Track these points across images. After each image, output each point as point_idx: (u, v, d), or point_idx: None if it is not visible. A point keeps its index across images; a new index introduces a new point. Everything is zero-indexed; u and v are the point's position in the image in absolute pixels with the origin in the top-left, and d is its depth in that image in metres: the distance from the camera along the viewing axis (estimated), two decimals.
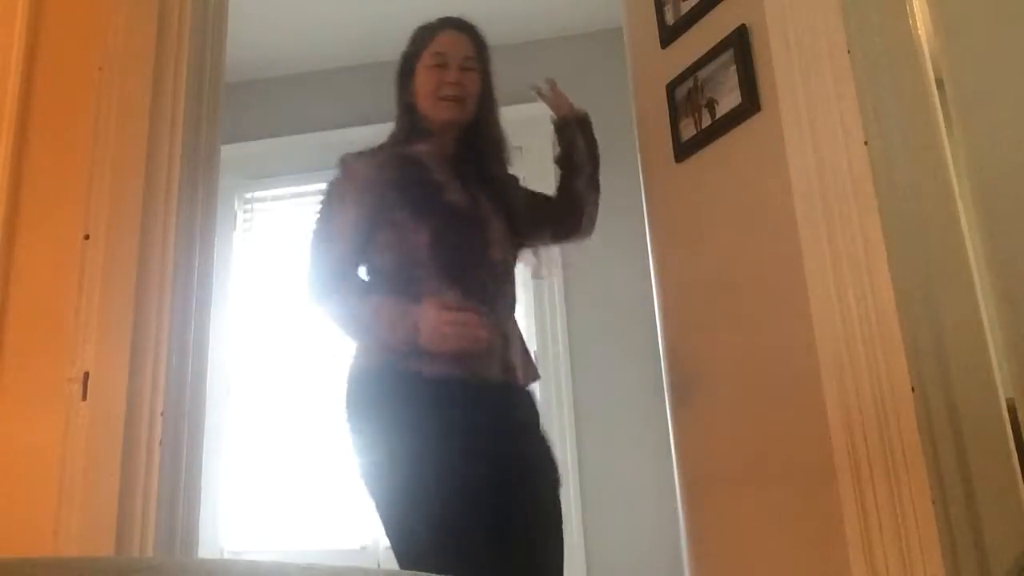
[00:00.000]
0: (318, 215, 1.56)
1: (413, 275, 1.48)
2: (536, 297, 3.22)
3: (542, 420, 1.59)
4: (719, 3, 1.64)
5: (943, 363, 1.23)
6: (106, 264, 1.52)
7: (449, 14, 1.69)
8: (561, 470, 1.56)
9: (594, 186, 1.76)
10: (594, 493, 2.99)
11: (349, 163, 1.56)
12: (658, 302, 1.82)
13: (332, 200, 1.55)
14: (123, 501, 1.41)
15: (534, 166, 3.38)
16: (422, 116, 1.62)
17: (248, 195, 3.59)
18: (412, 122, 1.63)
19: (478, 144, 1.66)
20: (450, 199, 1.54)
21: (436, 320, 1.38)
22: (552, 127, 1.83)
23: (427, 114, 1.61)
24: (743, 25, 1.56)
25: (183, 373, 1.55)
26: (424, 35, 1.66)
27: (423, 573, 0.74)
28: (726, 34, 1.59)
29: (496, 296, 1.54)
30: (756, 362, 1.50)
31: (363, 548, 2.98)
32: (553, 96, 1.77)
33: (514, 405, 1.54)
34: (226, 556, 3.13)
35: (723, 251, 1.61)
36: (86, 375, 1.47)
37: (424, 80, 1.61)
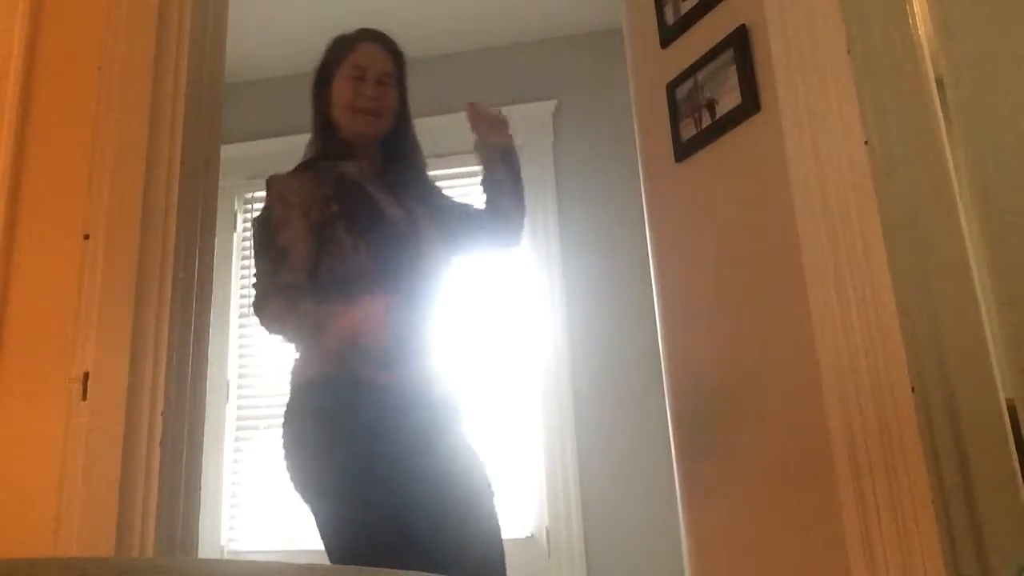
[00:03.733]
0: (259, 237, 1.52)
1: (351, 289, 1.47)
2: (536, 297, 3.23)
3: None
4: (719, 3, 1.64)
5: (943, 363, 1.23)
6: (106, 264, 1.52)
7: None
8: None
9: (518, 206, 1.74)
10: (594, 493, 2.99)
11: (284, 182, 1.55)
12: (658, 302, 1.82)
13: (275, 218, 1.51)
14: (123, 501, 1.41)
15: (534, 166, 3.39)
16: (337, 127, 1.62)
17: (248, 195, 3.59)
18: (330, 136, 1.63)
19: (401, 159, 1.68)
20: (389, 214, 1.55)
21: (357, 312, 1.35)
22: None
23: (343, 125, 1.61)
24: (743, 25, 1.56)
25: (183, 373, 1.55)
26: (342, 46, 1.66)
27: (423, 573, 0.74)
28: (726, 34, 1.59)
29: (430, 305, 1.56)
30: (756, 362, 1.50)
31: None
32: (475, 119, 1.72)
33: (427, 406, 1.52)
34: (226, 556, 3.13)
35: (723, 251, 1.61)
36: (86, 375, 1.47)
37: (341, 91, 1.61)
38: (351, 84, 1.61)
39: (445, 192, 1.77)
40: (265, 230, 1.51)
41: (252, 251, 1.57)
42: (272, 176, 1.56)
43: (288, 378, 1.57)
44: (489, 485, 1.52)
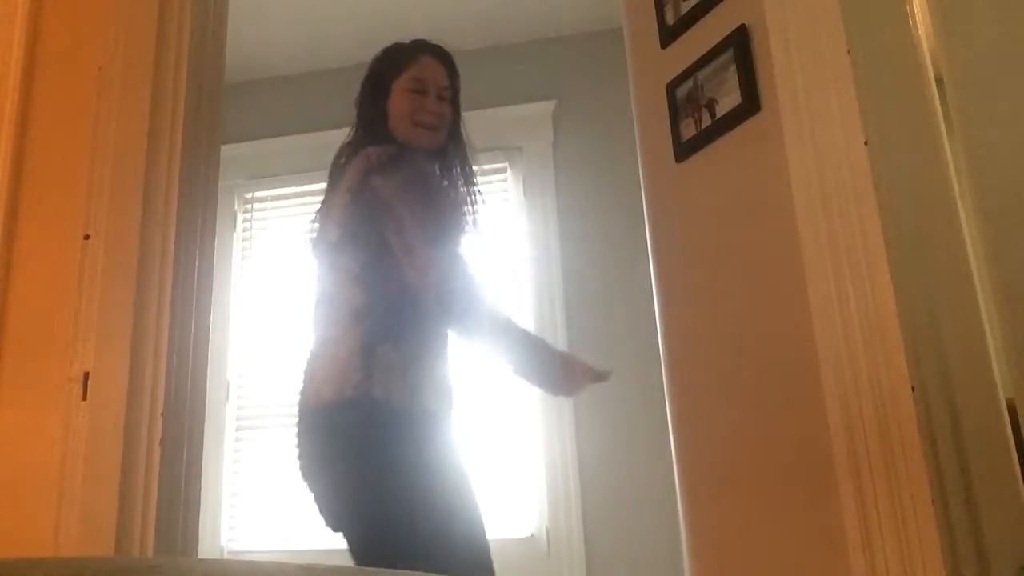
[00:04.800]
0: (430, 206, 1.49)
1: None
2: (536, 297, 3.23)
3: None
4: (719, 3, 1.64)
5: (943, 363, 1.23)
6: (106, 264, 1.52)
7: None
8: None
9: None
10: (594, 493, 2.99)
11: (417, 161, 1.55)
12: (658, 302, 1.82)
13: (437, 193, 1.54)
14: (123, 501, 1.41)
15: (534, 166, 3.39)
16: (392, 138, 1.61)
17: (248, 195, 3.59)
18: (386, 141, 1.61)
19: (450, 173, 1.70)
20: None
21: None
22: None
23: (399, 136, 1.61)
24: (743, 25, 1.56)
25: (183, 373, 1.55)
26: (402, 57, 1.66)
27: (423, 573, 0.74)
28: (726, 34, 1.59)
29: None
30: (756, 362, 1.50)
31: None
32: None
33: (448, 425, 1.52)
34: (226, 556, 3.13)
35: (723, 251, 1.61)
36: (86, 375, 1.47)
37: (401, 103, 1.62)
38: (412, 97, 1.61)
39: None
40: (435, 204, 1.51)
41: (409, 214, 1.47)
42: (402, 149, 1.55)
43: (293, 382, 1.54)
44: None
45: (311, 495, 1.45)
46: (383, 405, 1.38)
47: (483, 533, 1.42)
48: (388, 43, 1.72)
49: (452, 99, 1.68)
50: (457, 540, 1.36)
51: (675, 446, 1.73)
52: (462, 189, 1.71)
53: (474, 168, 1.75)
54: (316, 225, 1.62)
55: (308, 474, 1.45)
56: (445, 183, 1.67)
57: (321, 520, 1.44)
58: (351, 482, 1.38)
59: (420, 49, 1.67)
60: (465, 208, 1.68)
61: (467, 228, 1.64)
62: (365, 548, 1.38)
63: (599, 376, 1.59)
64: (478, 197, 1.71)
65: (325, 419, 1.42)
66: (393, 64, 1.66)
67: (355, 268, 1.49)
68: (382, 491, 1.35)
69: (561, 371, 1.56)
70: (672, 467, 1.74)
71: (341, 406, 1.39)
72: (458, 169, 1.71)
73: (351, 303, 1.47)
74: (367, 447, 1.37)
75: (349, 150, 1.64)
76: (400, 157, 1.52)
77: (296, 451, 1.47)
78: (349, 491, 1.38)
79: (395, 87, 1.63)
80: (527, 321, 3.17)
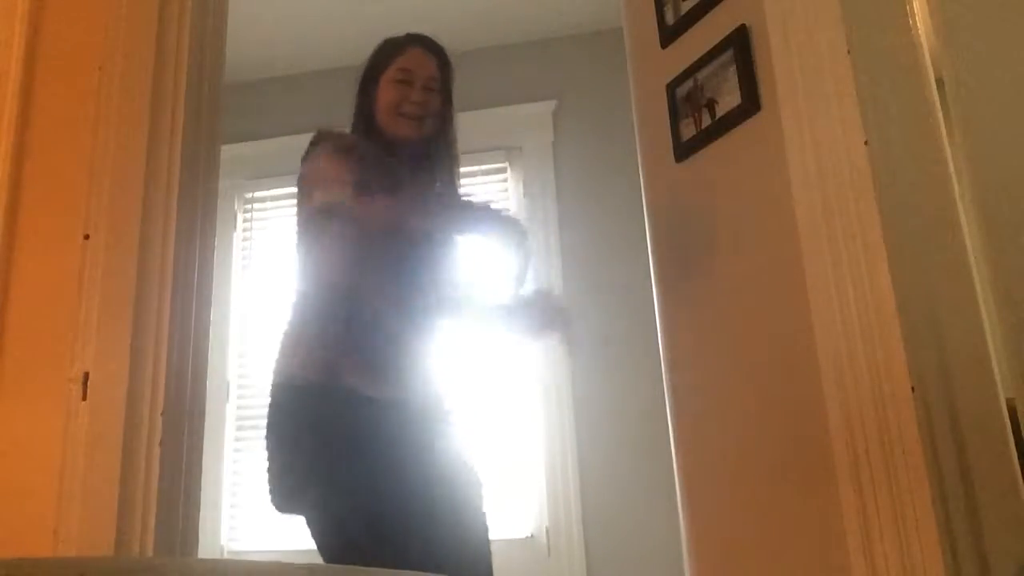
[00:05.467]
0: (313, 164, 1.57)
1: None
2: None
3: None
4: (719, 3, 1.64)
5: (943, 363, 1.23)
6: (106, 264, 1.52)
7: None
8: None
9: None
10: (594, 493, 2.99)
11: (346, 137, 1.60)
12: (658, 302, 1.82)
13: (331, 153, 1.56)
14: (123, 501, 1.41)
15: (533, 166, 3.39)
16: (379, 128, 1.63)
17: (248, 195, 3.59)
18: (375, 138, 1.63)
19: (436, 165, 1.70)
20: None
21: None
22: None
23: (385, 127, 1.62)
24: (743, 25, 1.56)
25: (183, 373, 1.55)
26: (391, 49, 1.67)
27: (423, 573, 0.74)
28: (726, 34, 1.59)
29: (428, 316, 1.60)
30: (756, 362, 1.50)
31: None
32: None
33: (421, 414, 1.54)
34: (226, 556, 3.13)
35: (723, 251, 1.61)
36: (86, 375, 1.47)
37: (386, 94, 1.62)
38: (397, 88, 1.62)
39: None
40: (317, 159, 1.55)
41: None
42: (330, 131, 1.59)
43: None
44: (479, 482, 1.53)
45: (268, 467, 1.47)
46: (328, 387, 1.43)
47: (432, 525, 1.37)
48: None
49: (442, 91, 1.67)
50: (395, 530, 1.35)
51: (675, 446, 1.73)
52: (442, 181, 1.70)
53: (459, 165, 1.74)
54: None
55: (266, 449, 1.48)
56: (417, 176, 1.66)
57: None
58: (295, 460, 1.43)
59: (410, 41, 1.67)
60: (434, 195, 1.68)
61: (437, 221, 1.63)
62: (318, 533, 1.40)
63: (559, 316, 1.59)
64: (453, 189, 1.73)
65: (280, 398, 1.48)
66: (383, 56, 1.67)
67: (299, 257, 1.59)
68: (321, 471, 1.39)
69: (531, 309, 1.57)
70: (672, 467, 1.74)
71: (281, 387, 1.47)
72: (443, 165, 1.71)
73: (299, 289, 1.57)
74: (298, 425, 1.43)
75: None
76: (323, 135, 1.59)
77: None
78: (307, 473, 1.42)
79: (383, 79, 1.64)
80: None
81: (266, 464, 1.45)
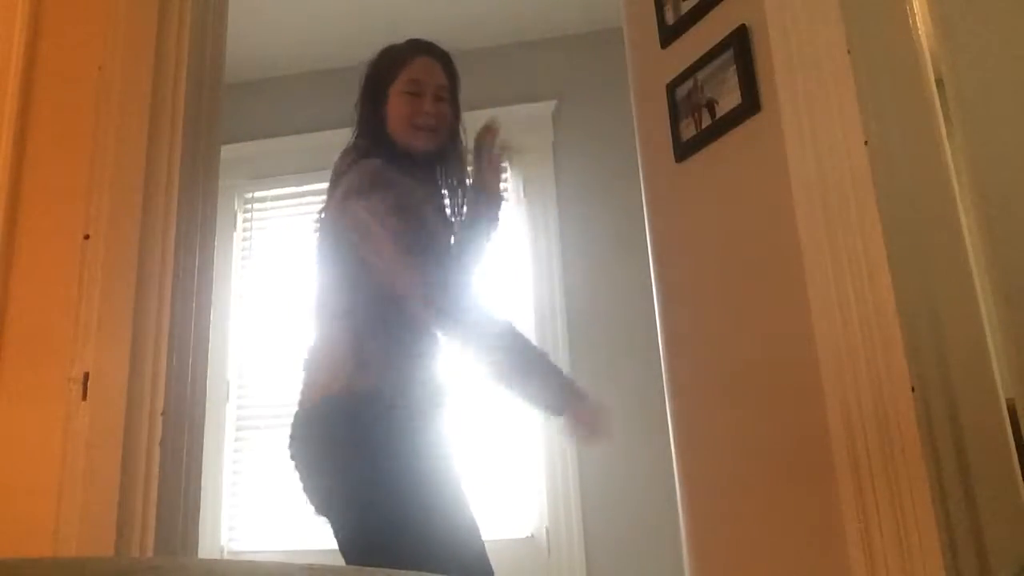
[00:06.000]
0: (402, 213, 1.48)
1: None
2: (536, 297, 3.23)
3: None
4: (719, 3, 1.64)
5: (943, 363, 1.23)
6: (106, 264, 1.52)
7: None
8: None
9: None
10: (594, 493, 2.99)
11: (396, 177, 1.53)
12: (658, 302, 1.82)
13: (411, 203, 1.51)
14: (123, 501, 1.41)
15: (533, 166, 3.39)
16: (391, 141, 1.60)
17: (248, 195, 3.59)
18: (390, 150, 1.60)
19: (449, 174, 1.71)
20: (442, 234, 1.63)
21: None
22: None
23: (398, 140, 1.60)
24: (743, 25, 1.56)
25: (183, 373, 1.55)
26: (397, 59, 1.63)
27: (423, 573, 0.74)
28: (726, 34, 1.59)
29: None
30: (756, 362, 1.50)
31: None
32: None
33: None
34: (226, 556, 3.13)
35: (723, 251, 1.61)
36: (86, 375, 1.47)
37: (398, 107, 1.60)
38: (408, 100, 1.59)
39: None
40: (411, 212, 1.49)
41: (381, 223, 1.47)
42: (375, 168, 1.52)
43: (293, 382, 1.55)
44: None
45: (302, 485, 1.47)
46: (368, 400, 1.41)
47: (469, 534, 1.42)
48: (388, 44, 1.71)
49: (451, 99, 1.66)
50: (438, 537, 1.36)
51: (675, 446, 1.73)
52: (454, 192, 1.71)
53: (467, 166, 1.75)
54: (317, 229, 1.63)
55: (300, 463, 1.47)
56: (433, 189, 1.67)
57: (311, 509, 1.46)
58: (342, 472, 1.41)
59: (415, 50, 1.64)
60: (453, 211, 1.70)
61: (455, 230, 1.68)
62: (350, 538, 1.40)
63: (602, 421, 1.54)
64: (463, 199, 1.74)
65: (318, 414, 1.45)
66: (388, 68, 1.63)
67: (340, 275, 1.53)
68: (369, 482, 1.38)
69: (564, 398, 1.52)
70: (672, 467, 1.74)
71: (330, 401, 1.43)
72: (454, 175, 1.71)
73: (341, 305, 1.51)
74: (354, 439, 1.40)
75: (350, 158, 1.62)
76: (380, 176, 1.51)
77: (289, 451, 1.50)
78: (341, 481, 1.41)
79: (391, 91, 1.61)
80: (527, 321, 3.17)
81: (311, 472, 1.45)
